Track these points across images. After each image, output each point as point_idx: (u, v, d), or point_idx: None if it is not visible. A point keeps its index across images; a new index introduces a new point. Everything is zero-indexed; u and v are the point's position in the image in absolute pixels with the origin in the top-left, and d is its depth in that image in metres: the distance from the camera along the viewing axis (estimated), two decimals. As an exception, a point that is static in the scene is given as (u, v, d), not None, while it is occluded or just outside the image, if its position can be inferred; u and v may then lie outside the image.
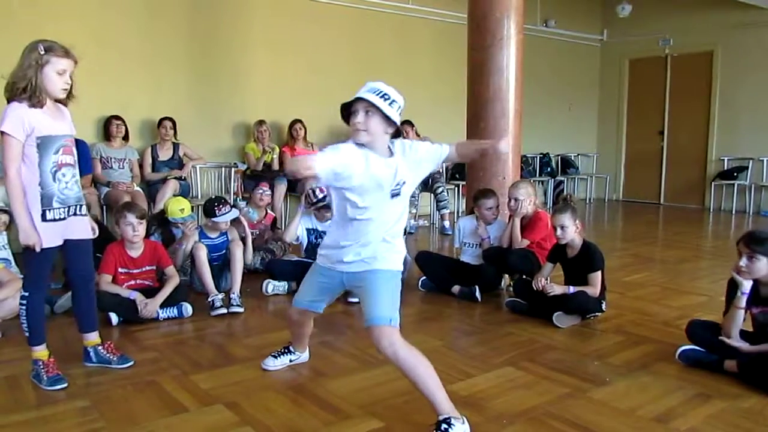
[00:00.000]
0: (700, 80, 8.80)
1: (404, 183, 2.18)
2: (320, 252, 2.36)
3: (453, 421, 2.05)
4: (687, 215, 8.32)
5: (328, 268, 2.32)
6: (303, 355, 2.84)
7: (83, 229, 2.65)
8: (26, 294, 2.56)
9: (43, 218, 2.45)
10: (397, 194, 2.18)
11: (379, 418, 2.30)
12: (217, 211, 4.03)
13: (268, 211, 5.07)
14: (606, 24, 9.81)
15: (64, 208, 2.51)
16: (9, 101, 2.41)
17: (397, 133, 2.21)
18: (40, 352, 2.60)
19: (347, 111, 2.14)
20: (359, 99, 2.10)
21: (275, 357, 2.79)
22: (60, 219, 2.51)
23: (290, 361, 2.80)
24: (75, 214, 2.58)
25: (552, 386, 2.61)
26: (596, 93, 10.10)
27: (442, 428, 2.04)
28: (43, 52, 2.38)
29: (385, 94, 2.14)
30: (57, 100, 2.50)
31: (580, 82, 9.79)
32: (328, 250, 2.31)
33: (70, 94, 2.51)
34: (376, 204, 2.15)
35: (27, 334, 2.58)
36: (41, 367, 2.58)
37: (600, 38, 9.91)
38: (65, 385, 2.56)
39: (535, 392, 2.55)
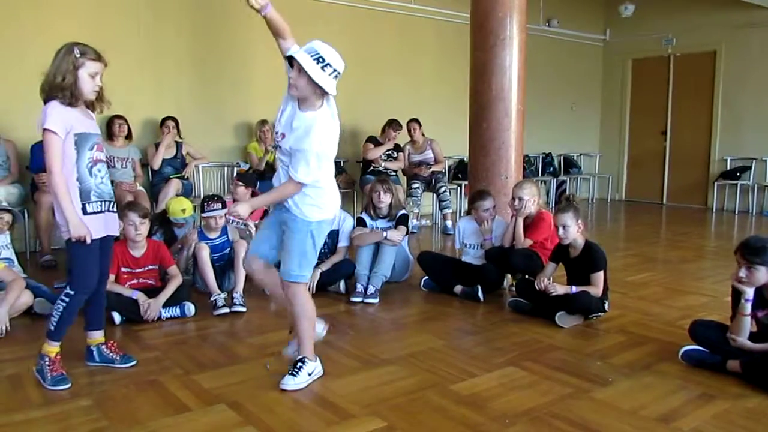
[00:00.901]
0: (703, 80, 8.78)
1: (282, 137, 2.48)
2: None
3: (307, 360, 2.57)
4: (690, 215, 8.31)
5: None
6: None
7: (115, 225, 2.73)
8: (71, 292, 2.57)
9: (84, 212, 2.52)
10: (276, 146, 2.56)
11: (381, 418, 2.30)
12: (206, 207, 4.10)
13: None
14: (609, 24, 9.79)
15: (101, 202, 2.58)
16: (46, 101, 2.48)
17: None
18: (53, 348, 2.61)
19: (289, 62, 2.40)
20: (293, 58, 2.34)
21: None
22: (99, 212, 2.58)
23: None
24: (109, 210, 2.64)
25: (554, 386, 2.60)
26: (599, 93, 10.08)
27: (298, 366, 2.54)
28: (78, 55, 2.46)
29: (321, 57, 2.35)
30: (85, 104, 2.58)
31: (583, 81, 9.78)
32: None
33: (104, 99, 2.61)
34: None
35: (51, 327, 2.59)
36: (47, 363, 2.59)
37: (603, 38, 9.90)
38: (68, 385, 2.56)
39: (537, 392, 2.55)
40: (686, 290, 4.25)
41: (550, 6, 8.74)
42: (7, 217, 3.89)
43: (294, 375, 2.54)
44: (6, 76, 5.15)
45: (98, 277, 2.67)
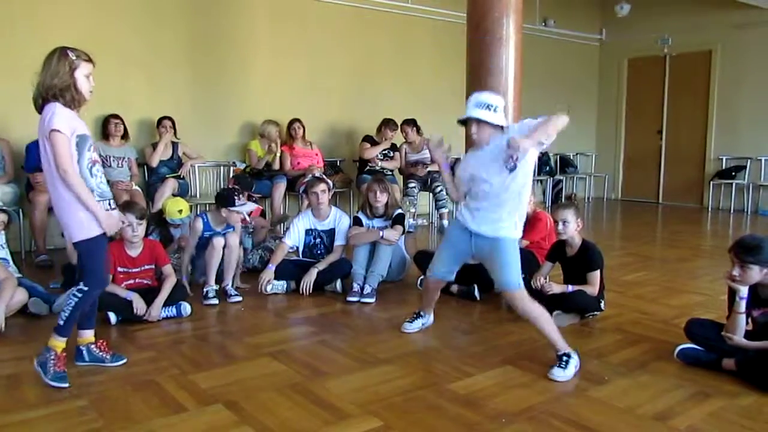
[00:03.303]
0: (699, 80, 8.81)
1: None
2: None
3: (572, 354, 2.71)
4: (685, 214, 8.33)
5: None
6: (430, 318, 3.37)
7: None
8: (85, 288, 2.57)
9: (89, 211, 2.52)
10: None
11: (378, 417, 2.30)
12: (237, 201, 4.00)
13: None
14: (605, 23, 9.81)
15: (103, 201, 2.59)
16: (44, 104, 2.48)
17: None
18: (60, 343, 2.60)
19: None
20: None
21: (410, 322, 3.30)
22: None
23: (422, 324, 3.31)
24: (110, 208, 2.65)
25: (551, 385, 2.61)
26: (595, 92, 10.10)
27: (564, 359, 2.69)
28: (74, 58, 2.49)
29: (489, 104, 2.77)
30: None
31: (579, 81, 9.80)
32: None
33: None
34: None
35: (61, 322, 2.58)
36: (52, 357, 2.57)
37: (599, 38, 9.91)
38: (67, 385, 2.55)
39: (534, 391, 2.55)
40: (682, 289, 4.26)
41: (546, 6, 8.76)
42: (2, 216, 3.88)
43: (563, 368, 2.67)
44: (0, 77, 5.12)
45: (77, 275, 2.67)
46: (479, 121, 2.75)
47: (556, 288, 3.41)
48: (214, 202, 4.42)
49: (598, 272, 3.40)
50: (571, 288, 3.39)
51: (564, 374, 2.65)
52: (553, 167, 9.20)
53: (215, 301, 3.77)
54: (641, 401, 2.45)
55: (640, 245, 6.09)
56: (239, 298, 3.86)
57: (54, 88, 2.46)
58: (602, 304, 3.49)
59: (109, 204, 2.64)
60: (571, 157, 9.62)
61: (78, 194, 2.47)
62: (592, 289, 3.38)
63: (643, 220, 8.04)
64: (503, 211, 2.77)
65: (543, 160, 9.12)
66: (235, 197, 4.01)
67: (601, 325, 3.43)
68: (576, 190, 9.59)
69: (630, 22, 9.17)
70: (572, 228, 3.42)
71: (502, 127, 2.78)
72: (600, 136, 10.13)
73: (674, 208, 8.90)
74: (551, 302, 3.40)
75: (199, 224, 4.04)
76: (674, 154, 9.22)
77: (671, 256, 5.50)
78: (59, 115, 2.45)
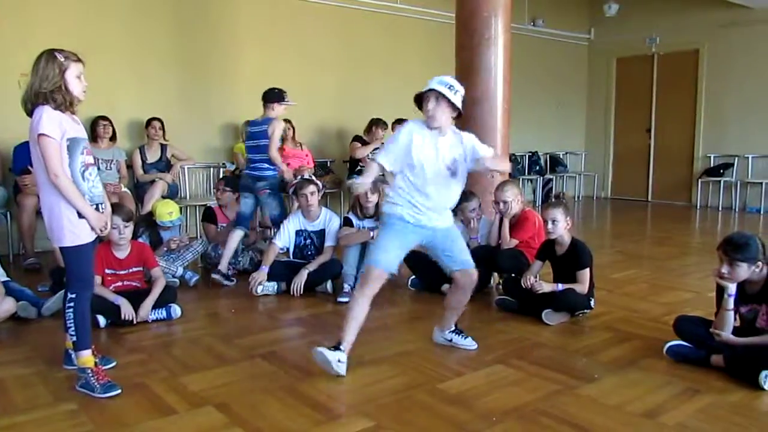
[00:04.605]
0: (687, 78, 8.87)
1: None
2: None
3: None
4: (674, 212, 8.39)
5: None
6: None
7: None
8: (73, 295, 2.53)
9: (80, 215, 2.49)
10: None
11: (369, 418, 2.30)
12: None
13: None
14: (593, 23, 9.86)
15: (93, 205, 2.56)
16: (34, 107, 2.45)
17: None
18: (87, 357, 2.55)
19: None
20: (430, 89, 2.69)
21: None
22: None
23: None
24: (100, 213, 2.62)
25: (541, 383, 2.62)
26: (584, 91, 10.15)
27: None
28: (63, 59, 2.45)
29: (452, 85, 2.73)
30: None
31: (569, 80, 9.85)
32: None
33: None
34: None
35: (74, 338, 2.54)
36: (91, 375, 2.53)
37: (588, 37, 9.97)
38: (119, 391, 2.51)
39: (524, 389, 2.56)
40: (671, 286, 4.29)
41: (535, 5, 8.80)
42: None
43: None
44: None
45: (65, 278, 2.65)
46: (439, 96, 2.68)
47: (546, 287, 3.42)
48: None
49: (587, 270, 3.42)
50: (560, 286, 3.41)
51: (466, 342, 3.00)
52: (543, 166, 9.24)
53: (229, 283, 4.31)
54: (631, 398, 2.47)
55: (629, 243, 6.12)
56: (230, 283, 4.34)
57: (44, 91, 2.42)
58: (592, 302, 3.51)
59: (99, 208, 2.60)
60: (561, 156, 9.67)
61: (69, 198, 2.44)
62: (582, 288, 3.40)
63: (632, 218, 8.09)
64: (450, 201, 2.85)
65: (533, 159, 9.18)
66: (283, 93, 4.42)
67: (591, 323, 3.45)
68: (566, 188, 9.64)
69: (618, 22, 9.23)
70: (561, 227, 3.43)
71: (457, 116, 2.77)
72: (589, 135, 10.19)
73: (663, 206, 8.96)
74: (541, 301, 3.42)
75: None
76: (663, 152, 9.28)
77: (660, 254, 5.54)
78: (48, 118, 2.42)
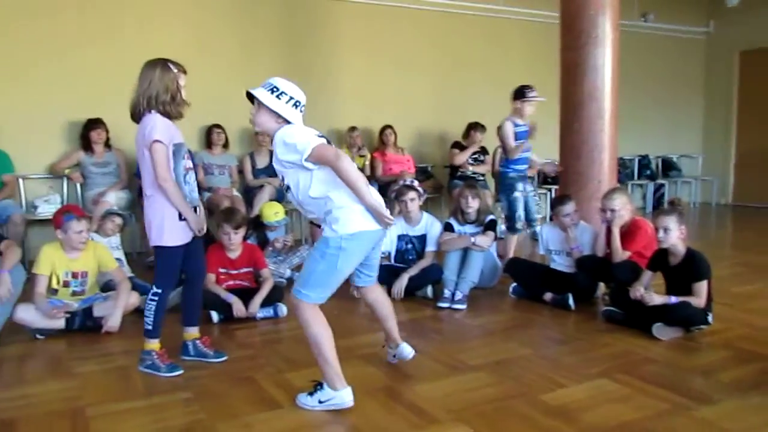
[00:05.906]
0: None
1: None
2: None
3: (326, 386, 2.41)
4: (807, 221, 7.63)
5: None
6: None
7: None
8: (159, 291, 2.77)
9: (180, 217, 2.69)
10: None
11: (468, 425, 2.28)
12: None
13: None
14: (712, 15, 9.20)
15: (192, 207, 2.75)
16: (143, 114, 2.64)
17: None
18: (154, 343, 2.82)
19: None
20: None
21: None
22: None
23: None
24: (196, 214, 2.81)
25: (650, 401, 2.47)
26: (701, 89, 9.48)
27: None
28: (176, 71, 2.65)
29: (275, 87, 2.40)
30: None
31: (683, 78, 9.24)
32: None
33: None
34: None
35: (149, 327, 2.80)
36: (156, 357, 2.79)
37: (706, 30, 9.30)
38: (182, 371, 2.77)
39: (631, 406, 2.43)
40: (802, 303, 3.91)
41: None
42: (118, 220, 4.23)
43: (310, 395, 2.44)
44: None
45: (183, 276, 2.86)
46: (258, 102, 2.39)
47: (657, 299, 3.23)
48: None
49: (705, 283, 3.19)
50: (674, 299, 3.20)
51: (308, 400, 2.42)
52: (654, 171, 8.73)
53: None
54: (755, 425, 2.27)
55: (753, 255, 5.64)
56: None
57: (158, 99, 2.60)
58: (710, 318, 3.27)
59: (195, 210, 2.78)
60: (675, 160, 9.08)
61: (174, 202, 2.63)
62: (699, 301, 3.17)
63: (757, 226, 7.44)
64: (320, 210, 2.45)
65: (643, 162, 8.69)
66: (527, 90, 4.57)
67: (708, 340, 3.21)
68: (680, 194, 9.05)
69: (741, 12, 8.52)
70: (674, 235, 3.23)
71: (286, 121, 2.39)
72: (707, 137, 9.49)
73: (794, 213, 8.18)
74: (651, 314, 3.23)
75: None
76: (794, 154, 8.48)
77: (790, 267, 5.06)
78: (160, 125, 2.60)
